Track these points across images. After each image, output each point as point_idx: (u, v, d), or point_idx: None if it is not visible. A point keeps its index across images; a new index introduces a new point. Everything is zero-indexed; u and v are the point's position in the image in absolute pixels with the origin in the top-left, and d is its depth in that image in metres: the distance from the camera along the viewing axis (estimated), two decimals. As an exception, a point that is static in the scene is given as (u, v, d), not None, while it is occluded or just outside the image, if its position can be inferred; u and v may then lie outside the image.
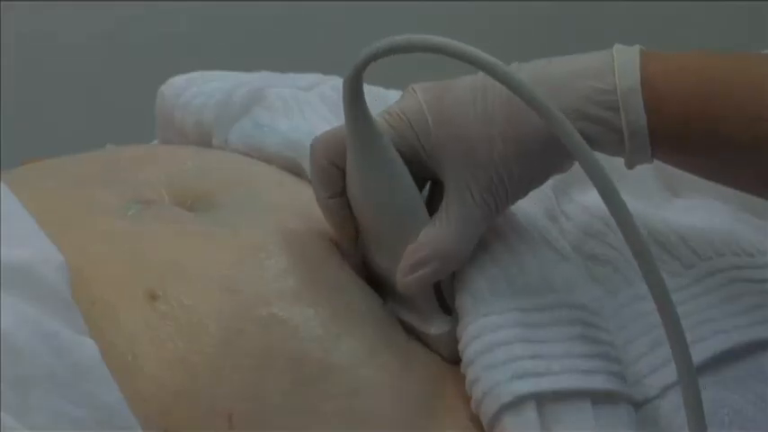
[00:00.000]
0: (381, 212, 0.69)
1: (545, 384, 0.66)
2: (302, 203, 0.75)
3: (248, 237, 0.70)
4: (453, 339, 0.69)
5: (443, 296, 0.71)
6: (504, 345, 0.67)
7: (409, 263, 0.68)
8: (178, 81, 0.85)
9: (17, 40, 1.55)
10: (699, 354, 0.70)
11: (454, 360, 0.69)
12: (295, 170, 0.78)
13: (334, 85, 0.86)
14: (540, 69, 0.68)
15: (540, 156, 0.68)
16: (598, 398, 0.67)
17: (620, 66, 0.67)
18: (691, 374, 0.61)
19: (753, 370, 0.70)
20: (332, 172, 0.70)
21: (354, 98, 0.66)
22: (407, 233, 0.69)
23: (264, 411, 0.63)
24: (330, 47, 1.65)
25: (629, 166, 0.69)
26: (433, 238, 0.68)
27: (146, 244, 0.68)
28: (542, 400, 0.66)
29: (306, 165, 0.77)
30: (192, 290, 0.65)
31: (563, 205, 0.77)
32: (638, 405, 0.68)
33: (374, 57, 0.64)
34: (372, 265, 0.72)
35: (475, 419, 0.66)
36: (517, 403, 0.65)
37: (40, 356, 0.57)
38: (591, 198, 0.77)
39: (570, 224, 0.76)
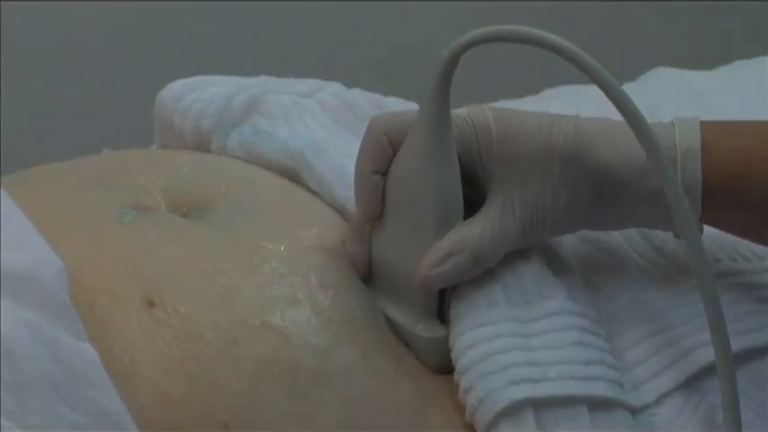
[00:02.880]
0: (425, 201, 0.69)
1: (542, 390, 0.66)
2: (299, 210, 0.75)
3: (243, 243, 0.70)
4: (442, 345, 0.69)
5: (443, 304, 0.71)
6: (499, 353, 0.67)
7: (440, 254, 0.68)
8: (177, 86, 0.85)
9: (15, 43, 1.55)
10: (696, 361, 0.70)
11: (438, 368, 0.69)
12: (293, 178, 0.78)
13: (333, 92, 0.86)
14: (606, 123, 0.70)
15: (588, 200, 0.69)
16: (595, 404, 0.67)
17: (681, 129, 0.69)
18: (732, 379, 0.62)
19: (751, 376, 0.71)
20: (386, 149, 0.70)
21: (444, 81, 0.67)
22: (441, 228, 0.69)
23: (261, 420, 0.63)
24: (329, 50, 1.66)
25: (678, 233, 0.70)
26: (467, 234, 0.69)
27: (143, 251, 0.68)
28: (539, 406, 0.66)
29: (304, 174, 0.77)
30: (187, 297, 0.65)
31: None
32: (635, 411, 0.68)
33: (475, 42, 0.64)
34: (379, 255, 0.72)
35: (469, 427, 0.66)
36: (514, 410, 0.65)
37: (39, 361, 0.57)
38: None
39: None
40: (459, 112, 0.71)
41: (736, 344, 0.70)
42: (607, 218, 0.71)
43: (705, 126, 0.70)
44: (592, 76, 0.62)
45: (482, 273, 0.70)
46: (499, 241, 0.69)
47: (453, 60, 0.66)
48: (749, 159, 0.69)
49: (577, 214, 0.70)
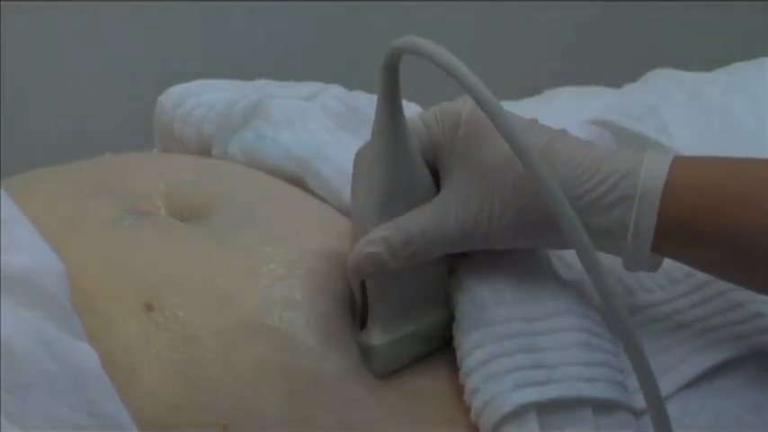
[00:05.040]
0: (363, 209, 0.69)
1: (546, 393, 0.66)
2: (301, 213, 0.74)
3: (242, 246, 0.70)
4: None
5: (367, 311, 0.69)
6: (505, 355, 0.67)
7: (373, 237, 0.67)
8: (177, 91, 0.85)
9: (16, 47, 1.55)
10: (699, 362, 0.70)
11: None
12: (298, 185, 0.78)
13: (335, 95, 0.85)
14: (582, 147, 0.68)
15: (533, 226, 0.68)
16: (599, 406, 0.67)
17: (649, 167, 0.67)
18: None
19: (750, 379, 0.71)
20: None
21: (386, 93, 0.66)
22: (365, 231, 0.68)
23: (260, 423, 0.63)
24: (329, 54, 1.66)
25: (627, 266, 0.69)
26: (402, 223, 0.67)
27: (142, 255, 0.68)
28: (543, 408, 0.66)
29: (310, 182, 0.77)
30: (186, 301, 0.65)
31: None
32: (638, 414, 0.68)
33: (404, 51, 0.63)
34: None
35: (471, 427, 0.67)
36: (519, 413, 0.65)
37: (40, 362, 0.57)
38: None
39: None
40: (432, 108, 0.70)
41: (737, 349, 0.70)
42: (553, 242, 0.69)
43: (676, 162, 0.67)
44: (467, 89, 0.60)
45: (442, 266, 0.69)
46: (437, 239, 0.68)
47: (392, 67, 0.65)
48: (711, 197, 0.66)
49: (521, 235, 0.69)
